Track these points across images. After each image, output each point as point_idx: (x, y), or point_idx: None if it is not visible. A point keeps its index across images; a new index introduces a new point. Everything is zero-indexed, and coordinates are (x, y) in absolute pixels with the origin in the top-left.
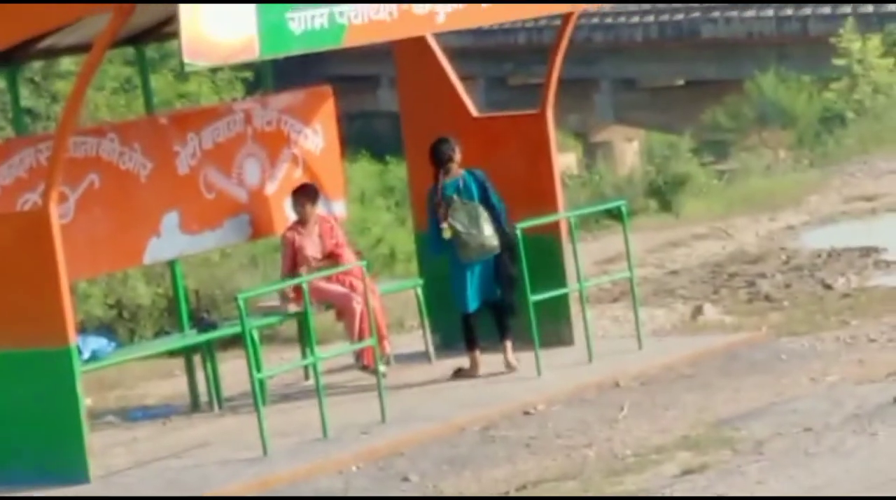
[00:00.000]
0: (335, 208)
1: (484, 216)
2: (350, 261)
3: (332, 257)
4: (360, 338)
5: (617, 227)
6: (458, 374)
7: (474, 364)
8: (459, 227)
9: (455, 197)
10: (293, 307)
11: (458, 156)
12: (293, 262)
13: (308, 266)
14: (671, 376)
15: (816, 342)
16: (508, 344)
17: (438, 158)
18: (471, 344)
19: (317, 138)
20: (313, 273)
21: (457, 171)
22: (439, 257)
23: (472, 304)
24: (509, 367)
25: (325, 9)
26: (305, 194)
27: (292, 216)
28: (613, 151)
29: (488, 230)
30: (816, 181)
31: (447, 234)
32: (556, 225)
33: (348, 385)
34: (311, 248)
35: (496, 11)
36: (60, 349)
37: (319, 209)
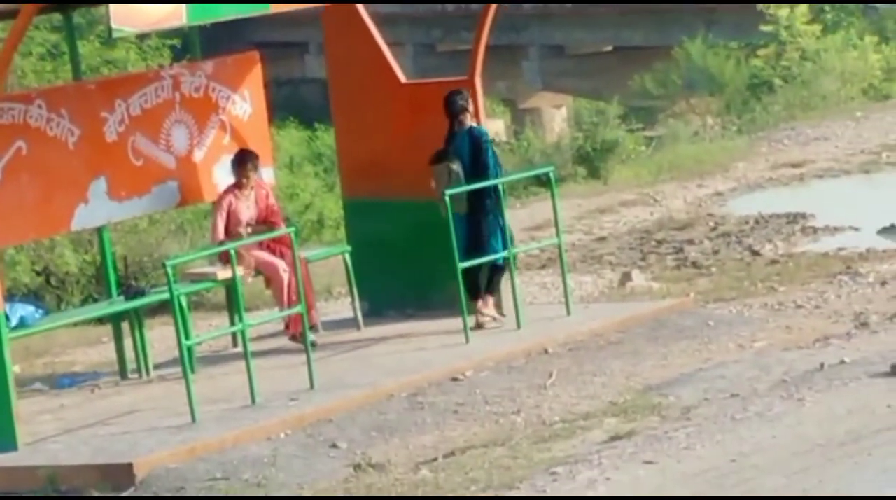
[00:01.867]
0: (263, 175)
1: (453, 175)
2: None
3: (266, 225)
4: (289, 306)
5: (545, 194)
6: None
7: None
8: (435, 183)
9: (451, 151)
10: (223, 273)
11: (471, 107)
12: (226, 225)
13: (244, 229)
14: (599, 343)
15: (744, 309)
16: (480, 303)
17: (452, 110)
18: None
19: (245, 105)
20: (246, 239)
21: (468, 123)
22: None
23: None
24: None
25: None
26: (252, 160)
27: (221, 183)
28: (542, 118)
29: (447, 189)
30: (744, 148)
31: (433, 184)
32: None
33: (277, 352)
34: (246, 212)
35: None
36: None
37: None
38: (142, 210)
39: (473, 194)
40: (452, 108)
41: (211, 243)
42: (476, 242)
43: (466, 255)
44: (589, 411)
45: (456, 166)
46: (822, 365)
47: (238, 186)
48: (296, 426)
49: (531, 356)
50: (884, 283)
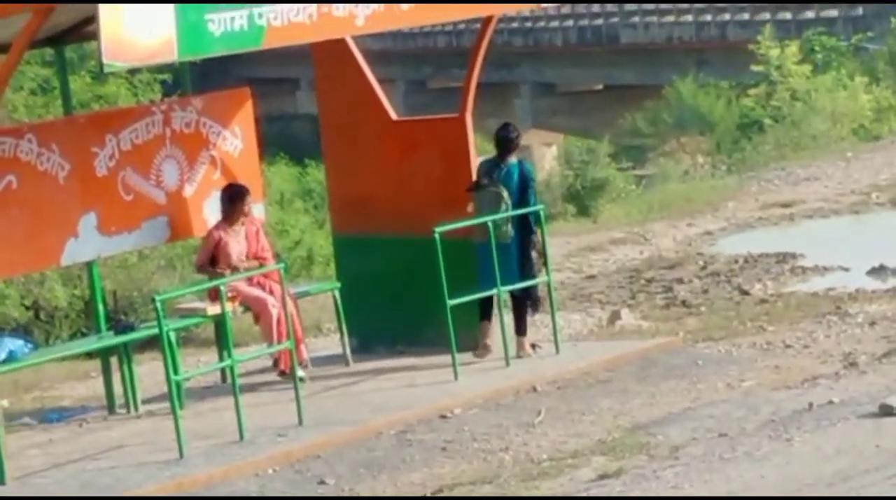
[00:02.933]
0: (254, 211)
1: (502, 203)
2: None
3: (257, 261)
4: (278, 342)
5: None
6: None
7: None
8: (474, 208)
9: (495, 179)
10: (211, 309)
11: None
12: (211, 257)
13: (231, 268)
14: (588, 381)
15: (733, 348)
16: (522, 340)
17: (508, 146)
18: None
19: (235, 140)
20: (234, 274)
21: (515, 157)
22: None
23: (481, 285)
24: (519, 355)
25: (244, 10)
26: (248, 196)
27: (211, 219)
28: (532, 156)
29: (493, 217)
30: (734, 187)
31: (469, 209)
32: (473, 229)
33: (265, 388)
34: (236, 247)
35: (416, 14)
36: None
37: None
38: (131, 245)
39: (520, 225)
40: (508, 144)
41: (196, 271)
42: (523, 269)
43: (519, 279)
44: (577, 449)
45: (506, 194)
46: (810, 405)
47: (227, 221)
48: (284, 463)
49: (520, 394)
50: (873, 323)
